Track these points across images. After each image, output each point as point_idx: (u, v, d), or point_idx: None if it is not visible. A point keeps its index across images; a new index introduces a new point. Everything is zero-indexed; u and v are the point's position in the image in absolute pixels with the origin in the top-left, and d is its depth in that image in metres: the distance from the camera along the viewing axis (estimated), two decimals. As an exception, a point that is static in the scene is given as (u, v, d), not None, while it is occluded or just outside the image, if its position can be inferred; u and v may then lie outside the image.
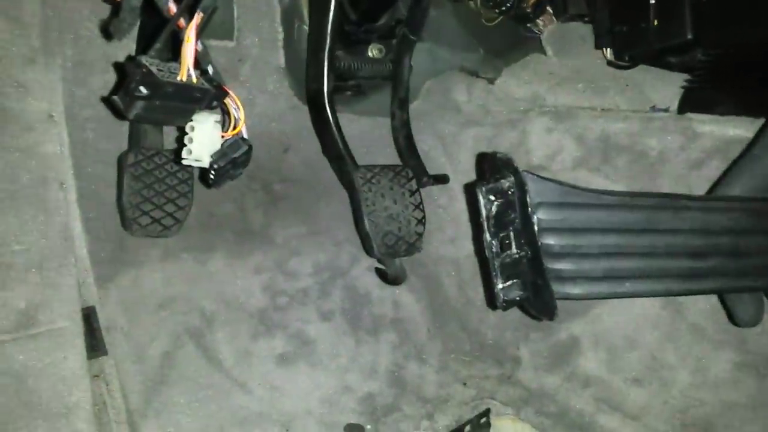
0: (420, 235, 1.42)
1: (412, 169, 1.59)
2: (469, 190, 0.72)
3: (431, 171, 1.72)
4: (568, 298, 0.74)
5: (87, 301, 1.36)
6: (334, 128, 1.41)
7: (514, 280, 0.73)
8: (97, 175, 1.41)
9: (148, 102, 0.82)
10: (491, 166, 0.73)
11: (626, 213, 0.72)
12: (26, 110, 1.28)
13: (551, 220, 0.71)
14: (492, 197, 0.72)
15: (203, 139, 0.91)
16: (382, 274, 1.65)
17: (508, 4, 1.56)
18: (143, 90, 0.80)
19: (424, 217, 1.43)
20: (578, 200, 0.72)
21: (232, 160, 0.94)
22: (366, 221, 1.36)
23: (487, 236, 0.73)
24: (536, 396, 1.55)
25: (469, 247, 1.75)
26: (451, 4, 1.70)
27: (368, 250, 1.40)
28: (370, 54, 1.63)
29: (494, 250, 0.72)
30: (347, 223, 1.59)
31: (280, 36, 1.60)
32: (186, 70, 0.85)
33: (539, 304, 0.72)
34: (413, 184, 1.44)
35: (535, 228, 0.66)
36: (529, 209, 0.67)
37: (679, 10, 1.33)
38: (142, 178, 1.36)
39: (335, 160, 1.43)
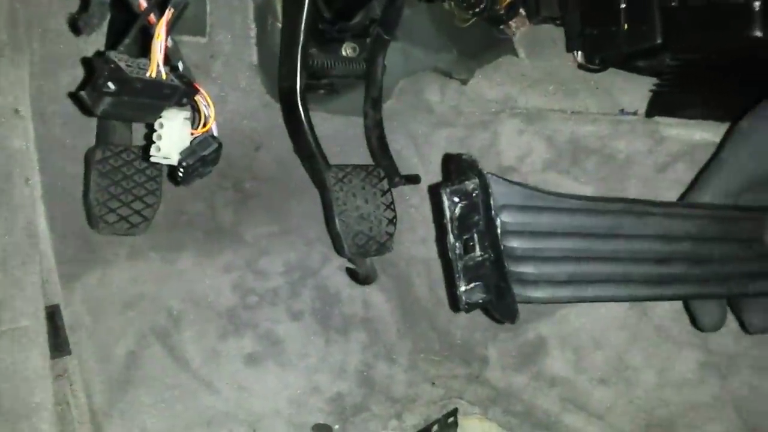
0: (391, 235, 1.42)
1: (384, 169, 1.60)
2: (434, 191, 0.73)
3: (403, 171, 1.72)
4: (530, 301, 0.74)
5: (51, 299, 1.33)
6: (306, 127, 1.40)
7: (477, 283, 0.73)
8: (64, 172, 1.38)
9: (116, 98, 0.80)
10: (456, 168, 0.73)
11: (590, 217, 0.73)
12: (-8, 105, 1.25)
13: (515, 223, 0.72)
14: (456, 199, 0.72)
15: (172, 136, 0.90)
16: (352, 274, 1.65)
17: (482, 6, 1.57)
18: (111, 86, 0.79)
19: (395, 217, 1.43)
20: (542, 203, 0.72)
21: (202, 158, 0.93)
22: (337, 221, 1.36)
23: (451, 238, 0.73)
24: (503, 395, 1.56)
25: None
26: (425, 4, 1.70)
27: (339, 250, 1.40)
28: (343, 53, 1.63)
29: (457, 252, 0.72)
30: (318, 222, 1.59)
31: (253, 33, 1.59)
32: (156, 67, 0.84)
33: (501, 307, 0.72)
34: (385, 184, 1.45)
35: (498, 231, 0.67)
36: (493, 212, 0.68)
37: (649, 15, 1.34)
38: (109, 175, 1.34)
39: (307, 159, 1.43)
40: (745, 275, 0.84)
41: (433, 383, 1.65)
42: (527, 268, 0.72)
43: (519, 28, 1.66)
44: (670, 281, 0.79)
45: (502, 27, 1.69)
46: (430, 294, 1.74)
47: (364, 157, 1.69)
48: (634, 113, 1.44)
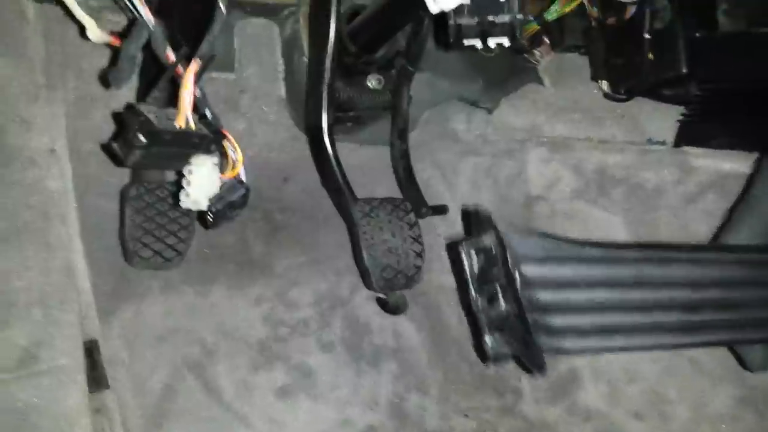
0: (419, 268, 1.43)
1: (411, 199, 1.61)
2: (451, 247, 0.74)
3: (431, 200, 1.73)
4: (558, 352, 0.74)
5: (90, 334, 1.36)
6: (334, 162, 1.42)
7: (503, 335, 0.74)
8: (100, 209, 1.42)
9: (147, 150, 0.83)
10: (473, 221, 0.74)
11: (613, 267, 0.73)
12: (28, 146, 1.29)
13: (536, 275, 0.72)
14: (474, 254, 0.73)
15: (201, 182, 0.92)
16: (382, 304, 1.66)
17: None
18: (142, 139, 0.82)
19: (423, 250, 1.44)
20: (562, 254, 0.72)
21: (230, 203, 0.95)
22: (364, 255, 1.37)
23: (473, 293, 0.74)
24: (538, 428, 1.55)
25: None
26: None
27: (367, 284, 1.41)
28: (369, 85, 1.64)
29: (480, 306, 0.73)
30: (348, 252, 1.60)
31: (281, 68, 1.62)
32: (184, 117, 0.86)
33: (530, 358, 0.73)
34: (412, 216, 1.45)
35: (518, 286, 0.67)
36: (511, 267, 0.68)
37: (674, 45, 1.34)
38: (143, 211, 1.37)
39: (334, 192, 1.45)
40: None
41: (466, 415, 1.64)
42: (553, 319, 0.72)
43: (544, 57, 1.67)
44: (700, 328, 0.78)
45: (526, 56, 1.69)
46: (460, 323, 1.74)
47: (391, 186, 1.71)
48: (662, 143, 1.43)
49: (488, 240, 0.71)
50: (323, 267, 1.67)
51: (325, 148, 1.42)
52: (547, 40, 1.66)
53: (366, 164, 1.74)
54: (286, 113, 1.64)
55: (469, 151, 1.72)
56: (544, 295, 0.71)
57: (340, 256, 1.67)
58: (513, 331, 0.72)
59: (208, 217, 0.95)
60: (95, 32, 0.91)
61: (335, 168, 1.42)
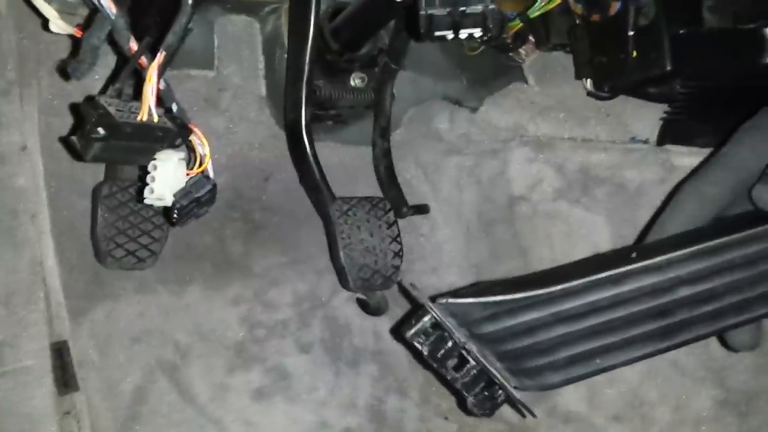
0: (397, 268, 1.40)
1: (392, 199, 1.58)
2: (398, 334, 0.75)
3: (413, 199, 1.71)
4: (543, 389, 0.74)
5: (60, 335, 1.34)
6: (312, 159, 1.39)
7: (485, 388, 0.74)
8: (73, 207, 1.39)
9: (106, 143, 0.80)
10: (409, 301, 0.74)
11: (564, 302, 0.72)
12: (-1, 142, 1.27)
13: (492, 331, 0.71)
14: (422, 338, 0.73)
15: (166, 177, 0.90)
16: (363, 305, 1.63)
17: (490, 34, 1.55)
18: (101, 131, 0.79)
19: (401, 249, 1.42)
20: (509, 307, 0.71)
21: (196, 199, 0.93)
22: (341, 254, 1.34)
23: (438, 368, 0.74)
24: (518, 431, 1.52)
25: (451, 276, 1.73)
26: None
27: (344, 284, 1.39)
28: (352, 83, 1.62)
29: (449, 377, 0.74)
30: (329, 252, 1.57)
31: (261, 65, 1.59)
32: (147, 110, 0.84)
33: (513, 405, 0.73)
34: (391, 216, 1.43)
35: (474, 351, 0.67)
36: (457, 340, 0.68)
37: (658, 42, 1.32)
38: (116, 210, 1.35)
39: (312, 191, 1.42)
40: (763, 295, 0.80)
41: (446, 418, 1.61)
42: (527, 363, 0.72)
43: (529, 55, 1.65)
44: (679, 329, 0.76)
45: (511, 54, 1.67)
46: (441, 324, 1.72)
47: (373, 186, 1.68)
48: (645, 141, 1.41)
49: (428, 320, 0.71)
50: (303, 267, 1.65)
51: (303, 145, 1.39)
52: (531, 39, 1.63)
53: (348, 163, 1.72)
54: (266, 111, 1.61)
55: (452, 150, 1.70)
56: (508, 346, 0.71)
57: (320, 256, 1.64)
58: (490, 385, 0.73)
59: (173, 213, 0.92)
60: (58, 24, 0.88)
61: (313, 165, 1.39)
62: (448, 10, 0.84)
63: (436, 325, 0.71)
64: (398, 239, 1.42)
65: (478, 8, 0.84)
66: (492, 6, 0.85)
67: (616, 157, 1.40)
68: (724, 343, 0.92)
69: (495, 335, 0.75)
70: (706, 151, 1.29)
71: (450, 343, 0.73)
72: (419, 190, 1.75)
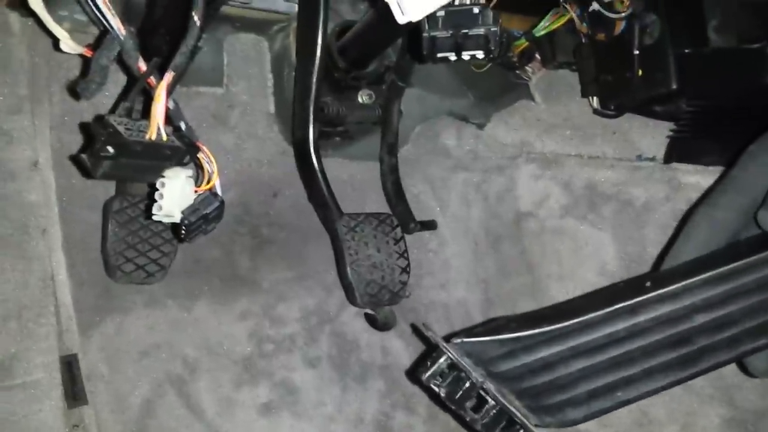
0: (404, 284, 1.41)
1: (400, 215, 1.59)
2: (414, 377, 0.74)
3: (421, 215, 1.72)
4: (565, 425, 0.74)
5: (70, 348, 1.35)
6: (320, 176, 1.41)
7: (505, 428, 0.73)
8: (84, 221, 1.41)
9: (115, 161, 0.82)
10: (424, 341, 0.74)
11: (580, 336, 0.71)
12: (9, 158, 1.29)
13: (509, 368, 0.71)
14: (438, 380, 0.72)
15: (174, 194, 0.91)
16: (371, 320, 1.64)
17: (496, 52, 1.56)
18: (110, 150, 0.81)
19: (408, 265, 1.42)
20: (525, 344, 0.71)
21: (204, 215, 0.94)
22: (348, 270, 1.35)
23: (457, 410, 0.73)
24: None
25: (459, 292, 1.74)
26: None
27: (351, 300, 1.39)
28: (359, 100, 1.64)
29: (470, 417, 0.73)
30: (336, 268, 1.58)
31: (270, 82, 1.62)
32: (155, 129, 0.85)
33: None
34: (398, 232, 1.44)
35: (492, 390, 0.66)
36: (475, 381, 0.68)
37: (663, 61, 1.33)
38: (126, 225, 1.36)
39: (320, 207, 1.43)
40: None
41: (453, 435, 1.61)
42: (547, 400, 0.71)
43: (535, 73, 1.66)
44: (699, 356, 0.75)
45: (518, 72, 1.68)
46: (449, 340, 1.72)
47: (381, 202, 1.70)
48: (652, 159, 1.41)
49: (444, 362, 0.70)
50: (311, 282, 1.66)
51: (311, 162, 1.41)
52: (538, 57, 1.65)
53: (356, 179, 1.73)
54: (275, 128, 1.63)
55: (459, 166, 1.71)
56: (527, 383, 0.70)
57: (328, 272, 1.65)
58: (510, 425, 0.72)
59: (182, 230, 0.94)
60: (68, 44, 0.90)
61: (321, 182, 1.41)
62: (450, 32, 0.85)
63: (453, 365, 0.70)
64: (405, 255, 1.42)
65: (481, 30, 0.85)
66: (494, 28, 0.86)
67: (622, 174, 1.40)
68: (744, 370, 0.90)
69: (513, 373, 0.74)
70: (713, 169, 1.30)
71: (467, 384, 0.72)
72: (427, 205, 1.76)
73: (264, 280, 1.60)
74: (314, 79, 1.38)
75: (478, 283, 1.68)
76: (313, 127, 1.39)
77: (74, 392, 1.33)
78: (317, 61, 1.37)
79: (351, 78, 1.59)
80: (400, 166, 1.69)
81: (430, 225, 1.64)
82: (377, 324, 1.63)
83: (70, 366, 1.35)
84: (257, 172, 1.63)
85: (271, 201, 1.66)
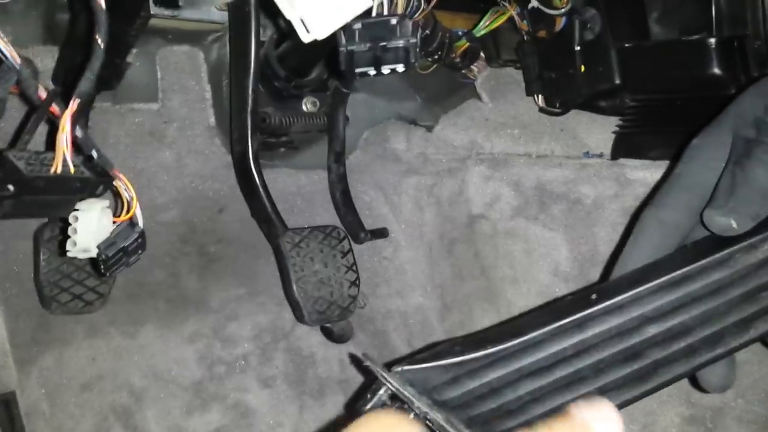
0: (354, 297, 1.37)
1: (349, 225, 1.55)
2: (353, 411, 0.66)
3: (374, 222, 1.68)
4: None
5: (7, 386, 1.29)
6: (261, 190, 1.36)
7: None
8: (16, 250, 1.34)
9: (16, 200, 0.77)
10: (363, 371, 0.68)
11: (526, 356, 0.66)
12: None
13: (454, 396, 0.65)
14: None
15: (89, 228, 0.86)
16: (327, 332, 1.60)
17: (440, 53, 1.53)
18: (10, 188, 0.75)
19: (357, 278, 1.38)
20: (468, 368, 0.65)
21: (123, 248, 0.89)
22: (294, 288, 1.31)
23: None
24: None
25: (416, 298, 1.70)
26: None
27: (299, 318, 1.35)
28: (304, 108, 1.60)
29: None
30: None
31: (208, 94, 1.56)
32: (61, 161, 0.80)
33: None
34: (345, 244, 1.40)
35: (439, 420, 0.61)
36: (418, 412, 0.62)
37: (605, 56, 1.31)
38: (60, 254, 1.30)
39: (263, 223, 1.39)
40: (737, 324, 0.74)
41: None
42: (498, 427, 0.66)
43: (481, 72, 1.62)
44: (653, 371, 0.70)
45: (464, 71, 1.65)
46: (408, 348, 1.68)
47: (332, 212, 1.65)
48: (600, 155, 1.38)
49: (385, 393, 0.65)
50: (264, 298, 1.61)
51: (252, 176, 1.36)
52: (483, 56, 1.61)
53: (305, 190, 1.69)
54: (217, 141, 1.57)
55: (410, 170, 1.67)
56: (475, 410, 0.65)
57: (281, 287, 1.60)
58: None
59: (100, 265, 0.88)
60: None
61: (263, 196, 1.36)
62: (368, 45, 0.81)
63: (394, 396, 0.65)
64: (354, 268, 1.38)
65: (400, 43, 0.81)
66: (413, 40, 0.82)
67: (571, 172, 1.37)
68: (697, 385, 0.85)
69: (459, 400, 0.68)
70: (660, 164, 1.27)
71: (411, 416, 0.66)
72: (379, 212, 1.72)
73: (213, 300, 1.55)
74: (250, 91, 1.33)
75: (434, 289, 1.64)
76: (252, 140, 1.34)
77: (13, 432, 1.28)
78: (252, 73, 1.32)
79: (293, 86, 1.54)
80: (350, 174, 1.65)
81: (381, 233, 1.60)
82: (333, 336, 1.59)
83: (8, 405, 1.29)
84: (200, 188, 1.57)
85: (217, 217, 1.60)
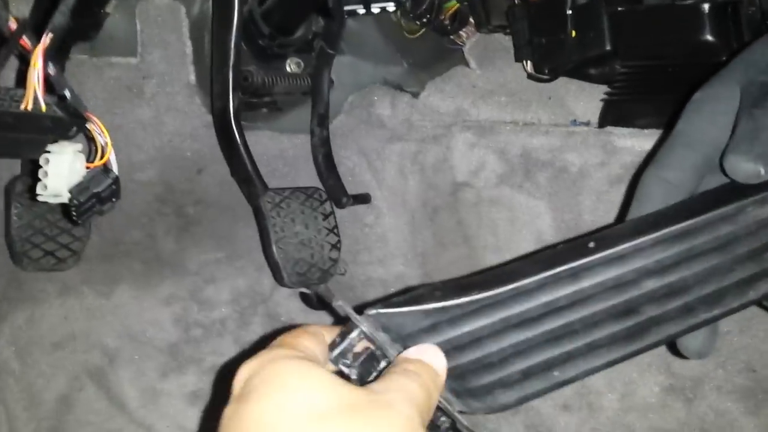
0: (335, 260, 1.35)
1: (331, 189, 1.52)
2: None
3: (357, 188, 1.65)
4: (495, 410, 0.63)
5: (-24, 344, 1.25)
6: (242, 148, 1.33)
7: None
8: (-13, 205, 1.30)
9: (-19, 136, 0.73)
10: (332, 313, 0.62)
11: (514, 305, 0.61)
12: None
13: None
14: (348, 360, 0.57)
15: (61, 171, 0.82)
16: (306, 299, 1.58)
17: (429, 16, 1.50)
18: (-27, 123, 0.72)
19: (338, 241, 1.36)
20: (450, 315, 0.60)
21: (95, 194, 0.85)
22: (274, 249, 1.28)
23: None
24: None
25: (397, 267, 1.68)
26: (372, 15, 1.63)
27: (278, 280, 1.32)
28: (287, 68, 1.56)
29: None
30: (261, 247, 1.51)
31: (189, 50, 1.51)
32: (32, 98, 0.76)
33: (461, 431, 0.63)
34: (327, 206, 1.37)
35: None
36: (393, 360, 0.57)
37: (596, 21, 1.28)
38: (32, 208, 1.26)
39: (243, 182, 1.35)
40: (739, 283, 0.70)
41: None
42: (475, 382, 0.61)
43: (470, 38, 1.59)
44: (647, 328, 0.66)
45: (452, 37, 1.61)
46: (388, 317, 1.67)
47: (314, 176, 1.62)
48: (587, 123, 1.37)
49: (356, 337, 0.59)
50: (242, 262, 1.58)
51: (232, 134, 1.32)
52: (472, 21, 1.58)
53: (287, 153, 1.65)
54: (197, 99, 1.53)
55: (394, 137, 1.64)
56: (452, 362, 0.60)
57: (260, 251, 1.57)
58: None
59: (72, 211, 0.85)
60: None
61: (243, 155, 1.33)
62: (358, -17, 0.78)
63: (363, 346, 0.59)
64: (335, 231, 1.36)
65: (390, -19, 0.78)
66: (405, -21, 0.79)
67: (557, 140, 1.35)
68: (675, 351, 0.81)
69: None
70: (648, 132, 1.26)
71: (383, 363, 0.60)
72: (362, 178, 1.69)
73: (191, 262, 1.52)
74: (232, 45, 1.29)
75: (416, 257, 1.62)
76: (233, 97, 1.31)
77: (-19, 390, 1.24)
78: (234, 26, 1.28)
79: (277, 45, 1.50)
80: (333, 138, 1.62)
81: (363, 198, 1.57)
82: (313, 303, 1.57)
83: (-24, 362, 1.25)
84: (179, 148, 1.53)
85: (196, 178, 1.56)
